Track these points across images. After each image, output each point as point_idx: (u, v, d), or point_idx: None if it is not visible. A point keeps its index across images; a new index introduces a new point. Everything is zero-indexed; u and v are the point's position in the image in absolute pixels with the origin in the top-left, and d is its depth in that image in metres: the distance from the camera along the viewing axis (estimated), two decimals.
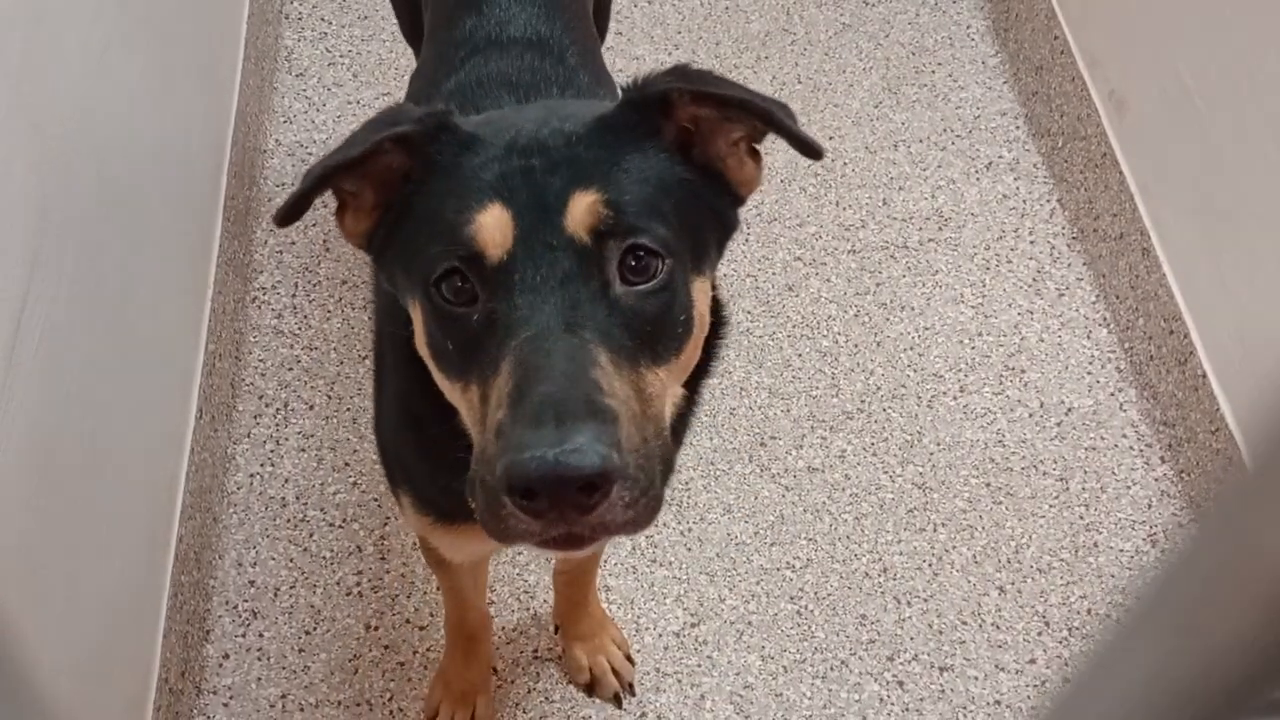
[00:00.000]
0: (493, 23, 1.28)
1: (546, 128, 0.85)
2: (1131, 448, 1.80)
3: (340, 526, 1.67)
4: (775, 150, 2.15)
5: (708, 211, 0.90)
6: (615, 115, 0.87)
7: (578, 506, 0.73)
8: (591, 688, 1.54)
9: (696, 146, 0.90)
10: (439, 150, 0.86)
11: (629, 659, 1.55)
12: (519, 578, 1.64)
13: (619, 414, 0.75)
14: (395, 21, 2.31)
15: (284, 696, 1.53)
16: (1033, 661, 1.59)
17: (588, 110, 0.89)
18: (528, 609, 1.61)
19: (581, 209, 0.81)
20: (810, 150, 0.87)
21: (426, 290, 0.83)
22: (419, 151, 0.87)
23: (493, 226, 0.80)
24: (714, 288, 0.93)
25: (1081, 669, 0.31)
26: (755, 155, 0.92)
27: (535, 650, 1.58)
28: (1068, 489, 1.75)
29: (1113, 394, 1.85)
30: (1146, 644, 0.28)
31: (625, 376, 0.79)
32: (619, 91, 0.92)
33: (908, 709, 1.54)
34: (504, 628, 1.59)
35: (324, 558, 1.65)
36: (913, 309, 1.93)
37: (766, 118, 0.87)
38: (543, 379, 0.74)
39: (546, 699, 1.54)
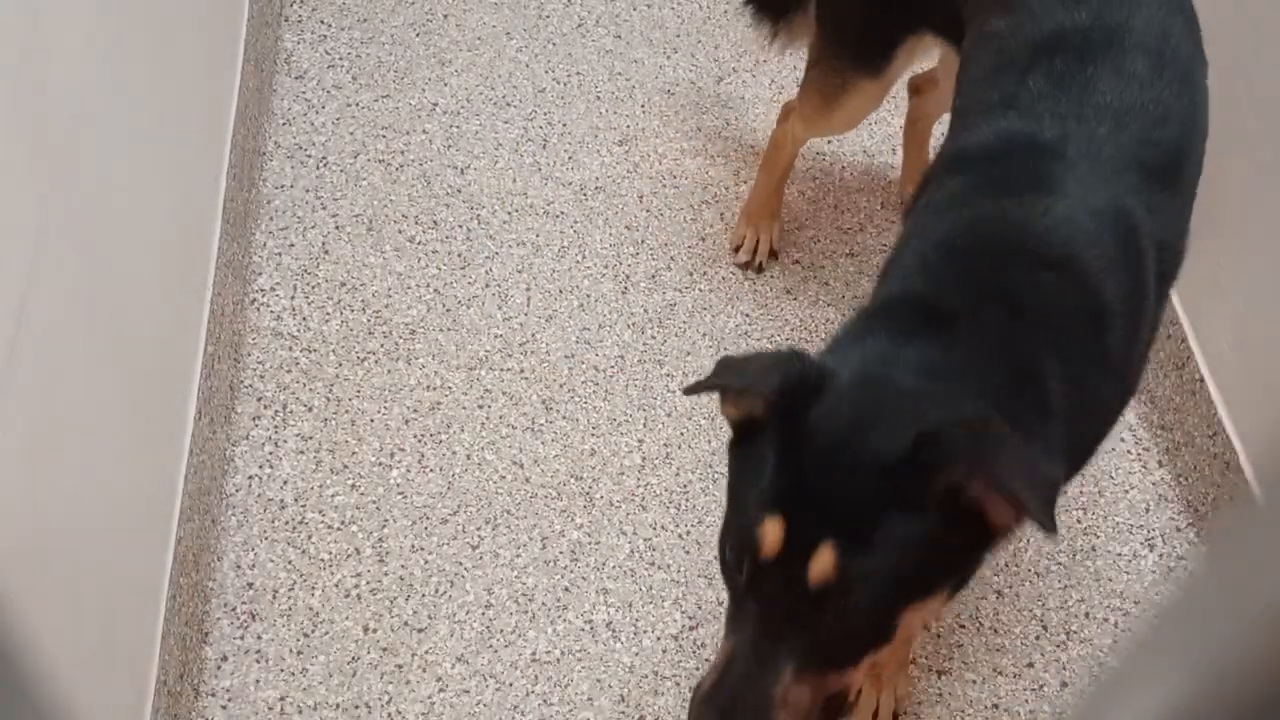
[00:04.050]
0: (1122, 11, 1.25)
1: (849, 451, 0.97)
2: (1129, 451, 1.80)
3: (339, 529, 1.67)
4: None
5: (953, 560, 1.01)
6: (900, 457, 0.95)
7: None
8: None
9: (964, 494, 0.96)
10: (778, 427, 1.00)
11: (895, 716, 1.53)
12: (517, 580, 1.64)
13: None
14: (395, 24, 2.32)
15: (282, 699, 1.53)
16: (1030, 665, 1.59)
17: (888, 440, 0.96)
18: (526, 611, 1.61)
19: (820, 562, 0.94)
20: (1045, 529, 0.93)
21: (723, 541, 1.04)
22: (771, 411, 1.01)
23: (771, 538, 0.96)
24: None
25: (1090, 699, 0.32)
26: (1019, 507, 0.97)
27: (534, 653, 1.58)
28: (1065, 492, 1.75)
29: None
30: (1156, 673, 0.28)
31: (809, 681, 0.97)
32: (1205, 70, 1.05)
33: (905, 712, 1.54)
34: (502, 630, 1.59)
35: (322, 560, 1.64)
36: None
37: (1035, 518, 0.94)
38: (735, 680, 0.97)
39: (545, 702, 1.54)
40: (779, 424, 1.00)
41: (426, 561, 1.65)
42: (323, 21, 2.32)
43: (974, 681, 1.58)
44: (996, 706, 1.56)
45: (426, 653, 1.57)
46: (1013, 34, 1.29)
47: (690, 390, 1.08)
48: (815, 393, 1.00)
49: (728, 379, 1.08)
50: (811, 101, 1.80)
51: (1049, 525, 0.91)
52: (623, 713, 1.54)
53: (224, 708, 1.52)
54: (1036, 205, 1.13)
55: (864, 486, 0.96)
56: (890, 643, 1.00)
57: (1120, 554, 1.70)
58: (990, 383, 1.05)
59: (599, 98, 2.22)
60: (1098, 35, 1.23)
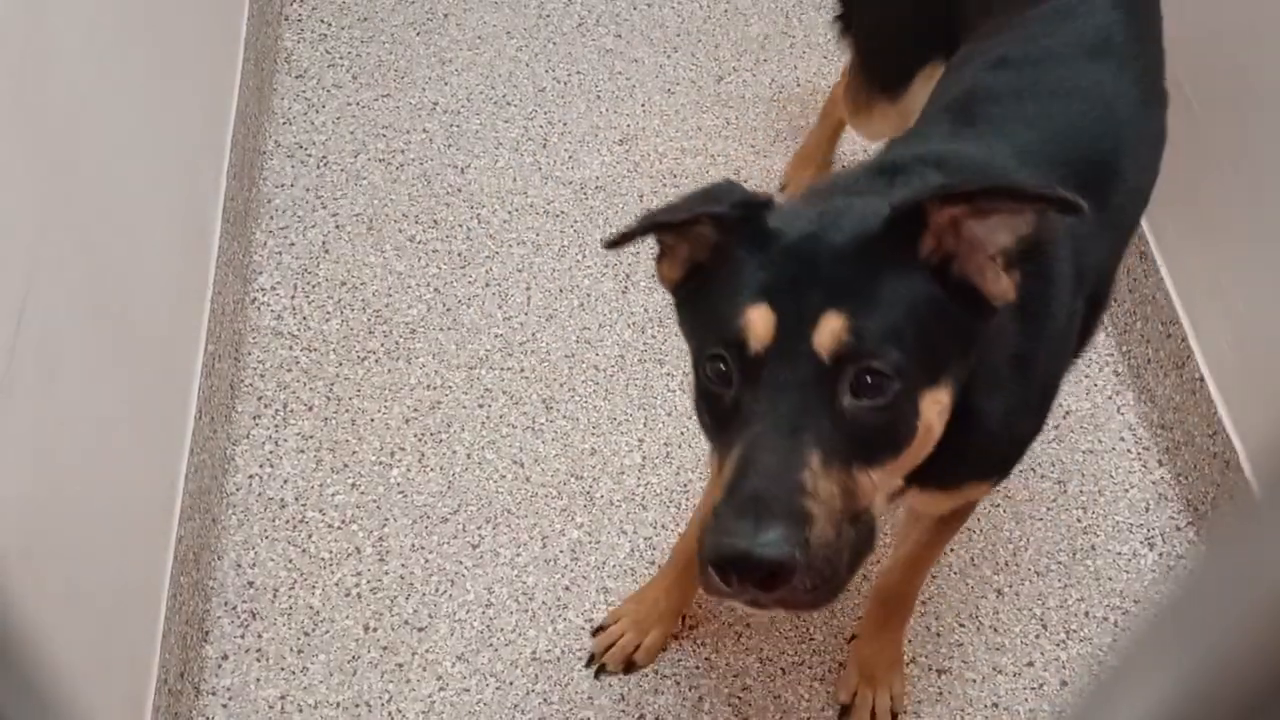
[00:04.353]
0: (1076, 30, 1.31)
1: (825, 238, 0.94)
2: (1129, 450, 1.80)
3: (339, 528, 1.67)
4: (774, 153, 2.15)
5: (954, 328, 0.96)
6: (881, 231, 0.94)
7: (761, 586, 0.87)
8: (846, 712, 1.53)
9: (956, 261, 0.94)
10: (740, 238, 0.97)
11: (894, 715, 1.52)
12: (517, 579, 1.64)
13: (815, 514, 0.87)
14: (396, 23, 2.32)
15: (283, 697, 1.53)
16: (1030, 664, 1.59)
17: (863, 222, 0.95)
18: (526, 610, 1.61)
19: (827, 331, 0.90)
20: (1070, 208, 0.91)
21: (698, 362, 0.97)
22: (726, 231, 0.98)
23: (758, 323, 0.91)
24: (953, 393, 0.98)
25: (1088, 697, 0.32)
26: (1011, 269, 0.96)
27: (534, 652, 1.58)
28: (1065, 492, 1.75)
29: (1110, 397, 1.86)
30: (1155, 672, 0.29)
31: (834, 477, 0.89)
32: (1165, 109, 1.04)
33: (905, 711, 1.55)
34: (503, 629, 1.59)
35: (323, 559, 1.65)
36: None
37: (1013, 193, 0.93)
38: (756, 474, 0.88)
39: (545, 701, 1.54)
40: (737, 239, 0.96)
41: (427, 560, 1.65)
42: (323, 20, 2.32)
43: (974, 680, 1.58)
44: (996, 705, 1.56)
45: (427, 651, 1.57)
46: (967, 59, 1.36)
47: (623, 238, 1.00)
48: (765, 205, 0.98)
49: (668, 215, 1.01)
50: (845, 105, 1.86)
51: (1063, 197, 0.89)
52: (623, 712, 1.54)
53: (224, 706, 1.52)
54: None
55: (849, 261, 0.93)
56: (912, 439, 0.93)
57: (1120, 553, 1.70)
58: None
59: (599, 97, 2.22)
60: (1035, 59, 1.29)
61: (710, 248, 1.00)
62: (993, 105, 1.24)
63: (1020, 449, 1.20)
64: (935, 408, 0.95)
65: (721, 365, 0.94)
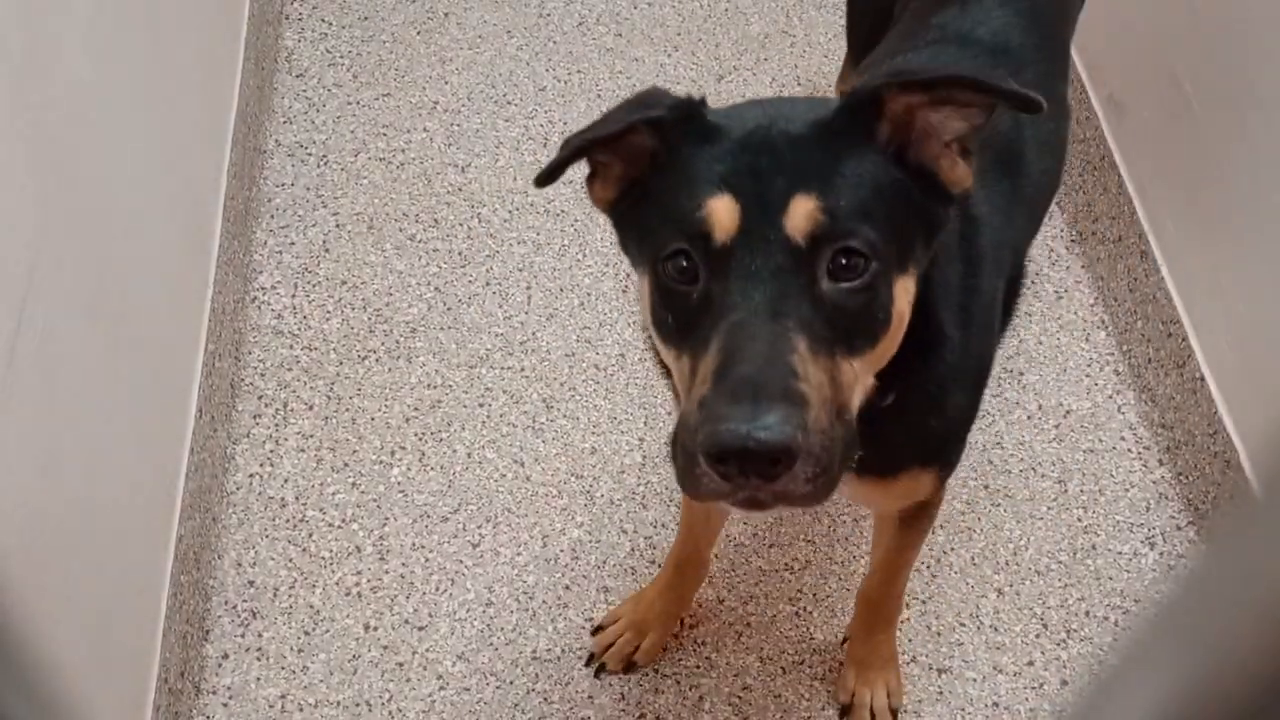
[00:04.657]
0: (969, 21, 1.32)
1: (776, 128, 0.92)
2: (1130, 450, 1.80)
3: (339, 527, 1.67)
4: None
5: (917, 211, 0.94)
6: (836, 118, 0.92)
7: (762, 475, 0.82)
8: (846, 712, 1.53)
9: (911, 148, 0.93)
10: (682, 137, 0.94)
11: (893, 711, 1.53)
12: (518, 578, 1.64)
13: (810, 398, 0.83)
14: (396, 22, 2.32)
15: (283, 696, 1.53)
16: (1030, 663, 1.59)
17: (812, 112, 0.94)
18: (526, 609, 1.61)
19: (800, 213, 0.87)
20: (1030, 104, 0.89)
21: (655, 265, 0.92)
22: (666, 136, 0.95)
23: (722, 213, 0.88)
24: (919, 286, 0.97)
25: (1088, 696, 0.32)
26: (967, 156, 0.95)
27: (534, 651, 1.58)
28: (1066, 491, 1.75)
29: (1111, 396, 1.86)
30: (1155, 671, 0.28)
31: (820, 364, 0.86)
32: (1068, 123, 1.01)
33: (906, 710, 1.55)
34: (503, 628, 1.59)
35: (323, 558, 1.65)
36: None
37: (974, 84, 0.91)
38: (745, 360, 0.83)
39: (545, 700, 1.54)
40: (680, 139, 0.93)
41: (427, 559, 1.65)
42: (323, 19, 2.32)
43: (974, 679, 1.58)
44: (997, 704, 1.56)
45: (427, 651, 1.57)
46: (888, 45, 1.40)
47: (555, 168, 0.96)
48: (702, 103, 0.96)
49: (600, 130, 0.96)
50: (836, 90, 1.89)
51: (1017, 92, 0.88)
52: (623, 711, 1.54)
53: (225, 705, 1.52)
54: None
55: (808, 146, 0.90)
56: (889, 326, 0.91)
57: (1121, 552, 1.70)
58: None
59: (600, 96, 2.22)
60: (950, 35, 1.31)
61: (648, 158, 0.97)
62: None
63: (956, 428, 1.19)
64: (905, 296, 0.93)
65: (684, 261, 0.90)
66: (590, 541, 1.68)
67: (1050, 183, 1.38)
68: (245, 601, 1.60)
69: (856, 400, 0.91)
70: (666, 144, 0.95)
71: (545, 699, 1.54)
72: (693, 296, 0.90)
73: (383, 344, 1.87)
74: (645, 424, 1.80)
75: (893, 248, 0.91)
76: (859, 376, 0.91)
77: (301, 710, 1.52)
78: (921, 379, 1.06)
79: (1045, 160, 1.33)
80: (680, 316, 0.91)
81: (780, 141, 0.91)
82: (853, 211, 0.88)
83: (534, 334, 1.89)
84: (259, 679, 1.54)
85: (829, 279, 0.88)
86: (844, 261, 0.88)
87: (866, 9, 1.68)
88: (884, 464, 1.13)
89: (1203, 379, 1.70)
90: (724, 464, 0.82)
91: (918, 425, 1.11)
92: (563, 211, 2.05)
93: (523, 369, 1.85)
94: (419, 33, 2.31)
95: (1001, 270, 1.19)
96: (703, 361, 0.87)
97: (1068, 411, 1.83)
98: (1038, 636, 1.62)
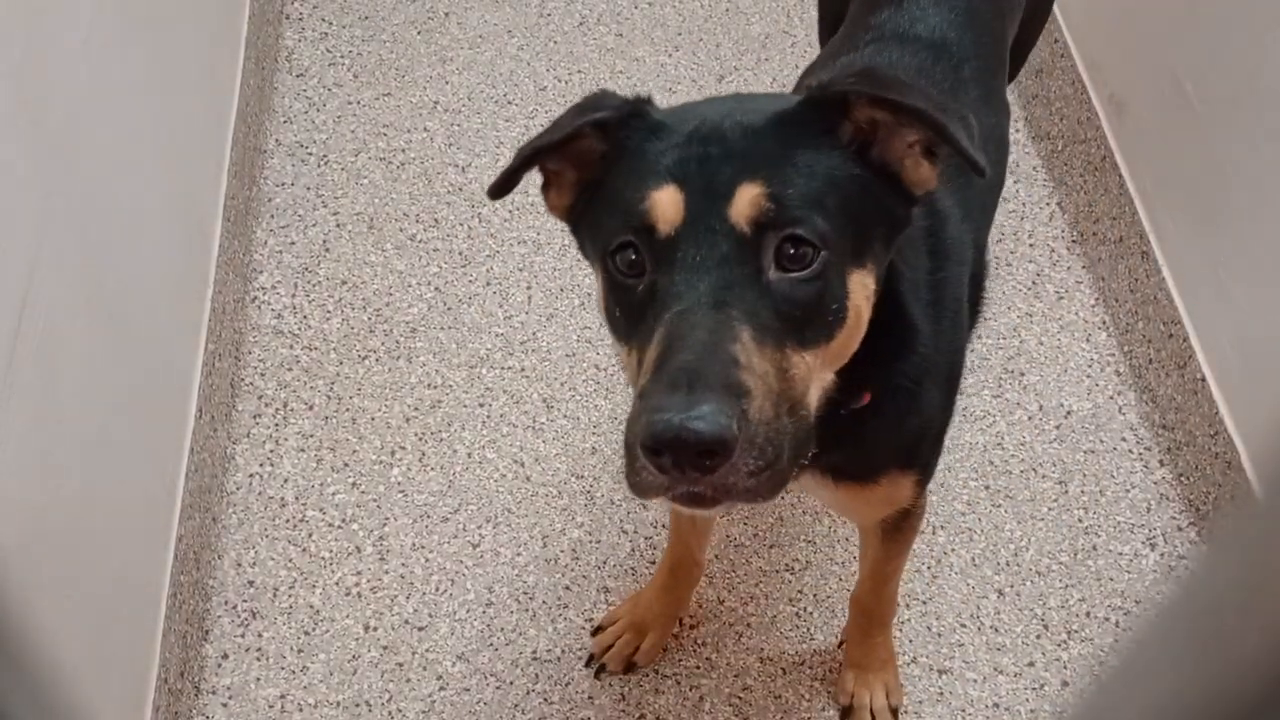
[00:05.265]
0: (906, 19, 1.33)
1: (729, 119, 0.90)
2: (1130, 451, 1.80)
3: (339, 527, 1.67)
4: None
5: (877, 208, 0.93)
6: (795, 112, 0.91)
7: (698, 468, 0.79)
8: (846, 714, 1.53)
9: (875, 147, 0.92)
10: (629, 136, 0.94)
11: (893, 710, 1.53)
12: (518, 578, 1.64)
13: (751, 388, 0.81)
14: (397, 22, 2.32)
15: (283, 697, 1.53)
16: (1031, 664, 1.59)
17: (771, 105, 0.92)
18: (526, 609, 1.61)
19: (745, 200, 0.86)
20: (975, 169, 0.89)
21: (604, 259, 0.92)
22: (613, 136, 0.95)
23: (666, 204, 0.87)
24: (881, 282, 0.95)
25: (1089, 698, 0.31)
26: (931, 157, 0.94)
27: (534, 652, 1.58)
28: (1067, 492, 1.75)
29: (1112, 397, 1.85)
30: (1155, 671, 0.28)
31: (767, 355, 0.84)
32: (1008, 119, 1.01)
33: (906, 711, 1.54)
34: (503, 628, 1.59)
35: (323, 558, 1.64)
36: None
37: (940, 130, 0.89)
38: (684, 349, 0.81)
39: (546, 700, 1.54)
40: (628, 138, 0.92)
41: (427, 560, 1.65)
42: (324, 19, 2.32)
43: (975, 680, 1.58)
44: (997, 705, 1.56)
45: (427, 651, 1.57)
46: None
47: (506, 179, 0.96)
48: (648, 102, 0.95)
49: (549, 137, 0.96)
50: None
51: (972, 156, 0.86)
52: (623, 712, 1.54)
53: (224, 705, 1.52)
54: None
55: (763, 137, 0.88)
56: (844, 321, 0.89)
57: (1121, 553, 1.70)
58: None
59: None
60: (888, 33, 1.32)
61: (599, 161, 0.96)
62: None
63: (933, 427, 1.17)
64: (863, 291, 0.91)
65: (632, 254, 0.89)
66: (590, 542, 1.68)
67: (997, 177, 1.39)
68: (245, 601, 1.60)
69: (813, 395, 0.90)
70: (616, 144, 0.94)
71: (545, 699, 1.54)
72: (639, 289, 0.89)
73: (383, 344, 1.87)
74: None
75: (848, 241, 0.89)
76: (812, 370, 0.88)
77: (301, 710, 1.52)
78: (896, 376, 1.05)
79: (991, 153, 1.33)
80: (628, 310, 0.90)
81: (732, 132, 0.89)
82: (802, 200, 0.86)
83: (534, 334, 1.89)
84: (259, 679, 1.54)
85: (776, 268, 0.86)
86: (792, 251, 0.86)
87: (830, 10, 1.69)
88: (861, 468, 1.12)
89: (1204, 380, 1.70)
90: (659, 455, 0.79)
91: (894, 425, 1.10)
92: None
93: (523, 369, 1.85)
94: (419, 32, 2.31)
95: (965, 264, 1.18)
96: (646, 353, 0.85)
97: (1069, 412, 1.83)
98: (1038, 637, 1.61)
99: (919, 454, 1.18)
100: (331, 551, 1.65)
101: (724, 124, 0.90)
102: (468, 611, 1.61)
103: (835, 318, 0.89)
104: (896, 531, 1.32)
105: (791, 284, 0.86)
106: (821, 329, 0.88)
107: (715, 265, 0.85)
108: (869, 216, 0.92)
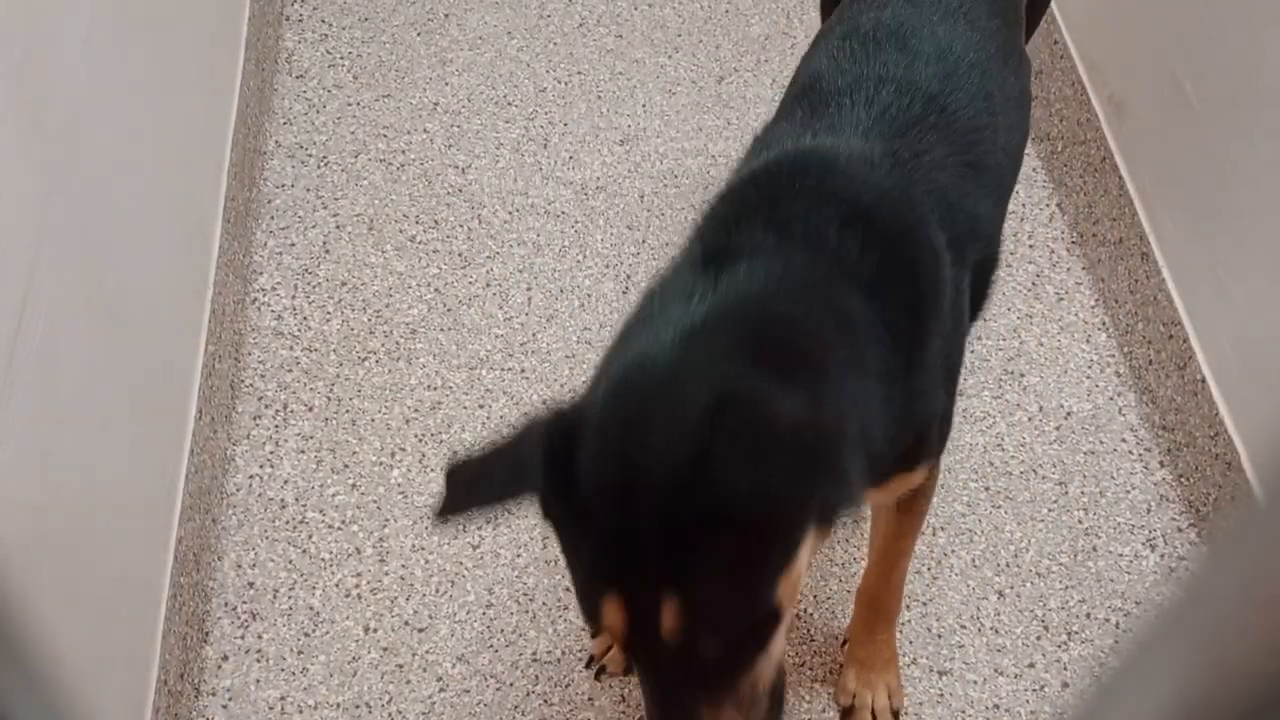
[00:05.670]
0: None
1: (640, 484, 0.86)
2: (1131, 452, 1.80)
3: (339, 528, 1.67)
4: None
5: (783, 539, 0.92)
6: (685, 483, 0.85)
7: None
8: (847, 714, 1.53)
9: None
10: (561, 500, 0.93)
11: (894, 713, 1.53)
12: (518, 580, 1.64)
13: None
14: (396, 23, 2.32)
15: (283, 698, 1.53)
16: (1031, 666, 1.59)
17: (666, 456, 0.86)
18: (527, 611, 1.61)
19: (667, 623, 0.87)
20: (852, 509, 0.92)
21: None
22: (543, 491, 0.94)
23: (613, 619, 0.89)
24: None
25: (1089, 699, 0.31)
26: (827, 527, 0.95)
27: (534, 653, 1.58)
28: (1067, 493, 1.75)
29: (1112, 398, 1.85)
30: (1156, 672, 0.28)
31: (728, 699, 0.92)
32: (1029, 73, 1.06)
33: (906, 712, 1.54)
34: (503, 630, 1.59)
35: (323, 559, 1.64)
36: None
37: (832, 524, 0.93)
38: None
39: (546, 702, 1.54)
40: (559, 496, 0.92)
41: (427, 561, 1.65)
42: (324, 20, 2.32)
43: (975, 682, 1.58)
44: (998, 707, 1.56)
45: (427, 652, 1.57)
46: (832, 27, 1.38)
47: (446, 508, 0.98)
48: (573, 445, 0.92)
49: (476, 500, 0.98)
50: None
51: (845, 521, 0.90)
52: (623, 713, 1.54)
53: (224, 707, 1.52)
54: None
55: (665, 522, 0.86)
56: (784, 617, 0.92)
57: (1122, 554, 1.70)
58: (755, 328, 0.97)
59: (600, 97, 2.22)
60: (887, 29, 1.29)
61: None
62: (839, 79, 1.23)
63: (938, 426, 1.18)
64: (791, 593, 0.92)
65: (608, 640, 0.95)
66: None
67: (1018, 144, 1.37)
68: (245, 603, 1.60)
69: (776, 666, 0.96)
70: (550, 497, 0.94)
71: (545, 701, 1.54)
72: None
73: (383, 345, 1.87)
74: None
75: (766, 582, 0.89)
76: (772, 661, 0.95)
77: (301, 712, 1.52)
78: (906, 388, 1.05)
79: (1010, 120, 1.32)
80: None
81: (637, 515, 0.86)
82: (716, 607, 0.88)
83: (534, 335, 1.89)
84: (259, 681, 1.54)
85: (715, 650, 0.90)
86: (719, 637, 0.89)
87: (830, 10, 1.69)
88: (875, 475, 1.12)
89: (1204, 381, 1.70)
90: None
91: (906, 437, 1.10)
92: (563, 213, 2.05)
93: (523, 370, 1.85)
94: (419, 34, 2.31)
95: (971, 254, 1.17)
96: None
97: (1069, 413, 1.83)
98: (1039, 639, 1.61)
99: (929, 444, 1.19)
100: (331, 553, 1.65)
101: (627, 505, 0.87)
102: (468, 613, 1.60)
103: (774, 623, 0.92)
104: (910, 504, 1.33)
105: (728, 654, 0.91)
106: (765, 644, 0.93)
107: (663, 669, 0.91)
108: (783, 546, 0.90)
